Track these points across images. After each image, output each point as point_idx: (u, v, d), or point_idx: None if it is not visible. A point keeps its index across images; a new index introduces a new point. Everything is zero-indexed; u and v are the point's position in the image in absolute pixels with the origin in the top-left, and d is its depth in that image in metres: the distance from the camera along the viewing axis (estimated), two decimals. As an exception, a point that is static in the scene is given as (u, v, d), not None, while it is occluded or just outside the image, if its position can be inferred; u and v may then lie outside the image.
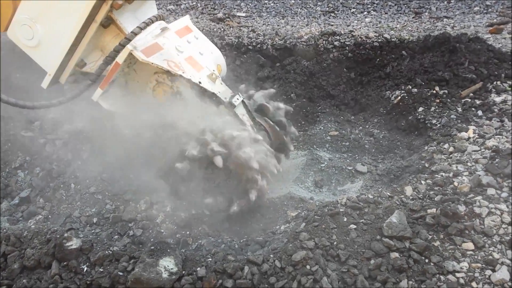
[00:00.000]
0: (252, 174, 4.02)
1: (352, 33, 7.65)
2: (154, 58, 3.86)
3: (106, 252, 3.24)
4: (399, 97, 5.85)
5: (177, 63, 3.97)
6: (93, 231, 3.82)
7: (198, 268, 3.12)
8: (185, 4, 10.56)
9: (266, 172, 4.18)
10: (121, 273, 3.09)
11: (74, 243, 3.25)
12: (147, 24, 4.02)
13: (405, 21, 9.13)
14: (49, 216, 4.04)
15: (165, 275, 3.01)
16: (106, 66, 3.96)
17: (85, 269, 3.19)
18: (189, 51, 4.21)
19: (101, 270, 3.16)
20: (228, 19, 9.46)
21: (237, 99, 4.22)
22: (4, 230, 3.48)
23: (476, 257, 3.03)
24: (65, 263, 3.21)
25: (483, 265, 2.96)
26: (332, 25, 8.88)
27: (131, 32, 3.90)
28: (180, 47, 4.14)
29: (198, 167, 4.05)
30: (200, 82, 4.02)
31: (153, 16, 4.17)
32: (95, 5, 3.77)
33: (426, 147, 4.72)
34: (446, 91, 5.60)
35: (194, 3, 10.62)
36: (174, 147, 4.09)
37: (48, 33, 3.94)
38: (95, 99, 4.02)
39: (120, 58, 3.83)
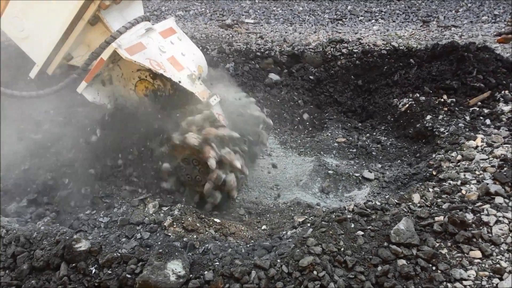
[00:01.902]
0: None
1: (360, 40, 7.70)
2: (137, 56, 4.10)
3: (115, 254, 3.26)
4: (407, 105, 5.86)
5: (159, 62, 4.21)
6: (101, 233, 3.85)
7: (206, 272, 3.13)
8: (194, 10, 10.65)
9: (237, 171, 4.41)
10: (129, 276, 3.11)
11: (83, 245, 3.27)
12: (132, 24, 4.31)
13: (413, 29, 9.15)
14: (58, 218, 4.07)
15: (172, 278, 3.02)
16: (92, 61, 4.25)
17: (94, 271, 3.21)
18: (172, 52, 4.46)
19: (109, 272, 3.18)
20: (237, 25, 9.53)
21: (215, 99, 4.41)
22: (14, 231, 3.51)
23: (483, 265, 3.02)
24: (73, 264, 3.22)
25: (491, 274, 2.95)
26: (340, 33, 8.92)
27: (117, 30, 4.19)
28: (163, 48, 4.40)
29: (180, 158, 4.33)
30: (180, 82, 4.23)
31: (139, 16, 4.46)
32: (84, 4, 4.05)
33: (434, 155, 4.72)
34: (454, 100, 5.60)
35: (203, 9, 10.71)
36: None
37: (38, 27, 4.20)
38: (79, 91, 4.27)
39: (105, 54, 4.09)
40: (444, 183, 3.94)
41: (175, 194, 4.47)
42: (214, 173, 4.16)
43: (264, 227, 4.20)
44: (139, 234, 3.79)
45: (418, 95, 5.95)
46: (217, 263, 3.23)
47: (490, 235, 3.20)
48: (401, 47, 7.26)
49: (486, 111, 5.23)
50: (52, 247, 3.32)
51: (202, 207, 4.44)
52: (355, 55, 7.21)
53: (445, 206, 3.55)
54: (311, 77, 6.95)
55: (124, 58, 4.05)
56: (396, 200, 3.76)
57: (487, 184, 3.69)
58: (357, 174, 4.93)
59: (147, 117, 4.53)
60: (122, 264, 3.22)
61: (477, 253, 3.09)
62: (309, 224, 3.77)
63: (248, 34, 8.72)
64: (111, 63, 4.32)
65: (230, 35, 8.56)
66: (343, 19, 10.10)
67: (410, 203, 3.69)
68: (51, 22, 4.13)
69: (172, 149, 4.29)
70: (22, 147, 4.83)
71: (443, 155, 4.56)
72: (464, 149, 4.48)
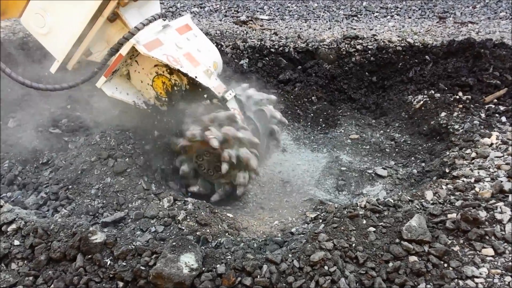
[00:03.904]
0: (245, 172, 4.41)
1: (375, 37, 7.65)
2: (155, 52, 4.19)
3: (129, 246, 3.32)
4: (422, 102, 5.82)
5: (176, 58, 4.30)
6: (116, 226, 3.93)
7: (218, 265, 3.17)
8: (209, 6, 10.69)
9: (246, 144, 4.48)
10: (143, 268, 3.17)
11: (98, 237, 3.34)
12: (150, 21, 4.38)
13: (429, 25, 9.06)
14: (74, 211, 4.16)
15: (185, 270, 3.07)
16: (110, 57, 4.32)
17: (109, 262, 3.28)
18: (188, 48, 4.55)
19: (124, 264, 3.25)
20: (251, 21, 9.55)
21: (230, 94, 4.51)
22: (32, 223, 3.60)
23: (495, 263, 3.01)
24: (89, 256, 3.30)
25: (503, 271, 2.94)
26: (354, 29, 8.88)
27: (135, 27, 4.25)
28: (179, 44, 4.48)
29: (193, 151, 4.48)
30: (196, 77, 4.31)
31: (156, 14, 4.53)
32: (103, 1, 4.11)
33: (447, 152, 4.70)
34: (469, 97, 5.55)
35: (218, 5, 10.74)
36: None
37: (58, 23, 4.28)
38: (99, 85, 4.38)
39: (124, 50, 4.18)
40: (457, 181, 3.92)
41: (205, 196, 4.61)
42: (224, 153, 4.26)
43: (276, 222, 4.24)
44: (154, 227, 3.85)
45: (433, 92, 5.90)
46: (229, 257, 3.28)
47: (503, 233, 3.18)
48: (416, 44, 7.20)
49: (502, 108, 5.17)
50: (68, 238, 3.40)
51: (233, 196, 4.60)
52: (369, 52, 7.17)
53: (458, 203, 3.53)
54: (325, 73, 6.94)
55: (142, 53, 4.14)
56: (408, 197, 3.76)
57: (501, 181, 3.66)
58: (370, 171, 4.93)
59: (164, 113, 4.61)
60: (136, 256, 3.29)
61: (489, 251, 3.08)
62: (321, 220, 3.79)
63: (263, 31, 8.73)
64: (129, 59, 4.41)
65: (245, 32, 8.58)
66: (358, 15, 10.04)
67: (423, 200, 3.69)
68: (72, 18, 4.21)
69: (188, 145, 4.39)
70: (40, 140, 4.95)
71: (457, 153, 4.54)
72: (479, 146, 4.45)
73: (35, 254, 3.39)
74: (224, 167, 4.29)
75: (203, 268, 3.15)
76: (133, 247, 3.33)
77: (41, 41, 4.44)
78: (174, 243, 3.24)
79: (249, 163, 4.35)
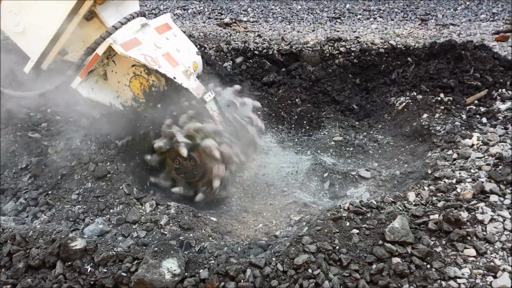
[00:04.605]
0: (215, 163, 4.31)
1: (358, 39, 7.70)
2: (132, 52, 4.11)
3: (110, 253, 3.27)
4: (404, 104, 5.87)
5: (154, 58, 4.22)
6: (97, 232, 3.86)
7: (201, 270, 3.14)
8: (192, 8, 10.65)
9: (230, 161, 4.45)
10: (124, 274, 3.12)
11: (78, 244, 3.28)
12: (128, 19, 4.31)
13: (411, 27, 9.16)
14: (54, 217, 4.08)
15: (168, 276, 3.03)
16: (87, 57, 4.21)
17: (89, 269, 3.22)
18: (167, 48, 4.48)
19: (105, 270, 3.19)
20: (235, 24, 9.53)
21: (209, 95, 4.45)
22: (10, 229, 3.52)
23: (477, 263, 3.03)
24: (69, 263, 3.23)
25: (485, 272, 2.96)
26: (338, 31, 8.92)
27: (112, 26, 4.17)
28: (158, 43, 4.41)
29: (166, 158, 4.44)
30: (174, 77, 4.25)
31: (135, 12, 4.45)
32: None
33: (429, 154, 4.73)
34: (451, 98, 5.61)
35: (201, 7, 10.71)
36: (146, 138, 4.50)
37: (33, 22, 4.19)
38: (74, 86, 4.27)
39: (100, 50, 4.09)
40: (439, 182, 3.95)
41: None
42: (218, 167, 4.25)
43: (260, 225, 4.22)
44: (135, 232, 3.80)
45: (415, 93, 5.95)
46: (213, 262, 3.24)
47: (485, 233, 3.21)
48: (399, 46, 7.26)
49: (482, 109, 5.23)
50: (48, 245, 3.33)
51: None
52: (353, 54, 7.21)
53: (440, 204, 3.56)
54: (309, 75, 6.96)
55: (119, 53, 4.06)
56: (391, 199, 3.77)
57: (482, 182, 3.70)
58: (353, 173, 4.94)
59: (140, 114, 4.55)
60: (117, 262, 3.23)
61: (471, 251, 3.10)
62: (304, 223, 3.78)
63: (247, 33, 8.72)
64: (106, 59, 4.32)
65: (229, 34, 8.56)
66: (342, 18, 10.10)
67: (406, 202, 3.70)
68: (46, 16, 4.12)
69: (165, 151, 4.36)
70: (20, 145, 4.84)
71: (439, 154, 4.57)
72: (460, 147, 4.49)
73: (13, 261, 3.32)
74: (216, 183, 4.30)
75: (186, 274, 3.12)
76: (114, 253, 3.28)
77: (15, 40, 4.34)
78: (156, 248, 3.19)
79: (212, 153, 4.27)
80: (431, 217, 3.37)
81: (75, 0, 4.01)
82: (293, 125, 6.24)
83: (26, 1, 4.09)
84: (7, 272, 3.28)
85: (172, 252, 3.18)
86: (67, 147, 4.59)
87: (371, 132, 5.95)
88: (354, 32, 8.88)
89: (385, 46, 7.26)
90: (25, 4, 4.11)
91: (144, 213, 3.98)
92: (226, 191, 4.64)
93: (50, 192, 4.25)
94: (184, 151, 4.15)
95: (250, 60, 7.25)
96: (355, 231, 3.31)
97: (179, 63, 4.44)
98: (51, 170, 4.45)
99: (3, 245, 3.41)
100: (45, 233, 3.44)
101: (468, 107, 5.37)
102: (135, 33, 4.30)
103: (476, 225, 3.27)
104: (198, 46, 6.69)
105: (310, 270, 3.02)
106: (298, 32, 8.94)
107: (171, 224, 3.86)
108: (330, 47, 7.40)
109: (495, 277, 2.92)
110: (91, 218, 3.99)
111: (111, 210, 4.06)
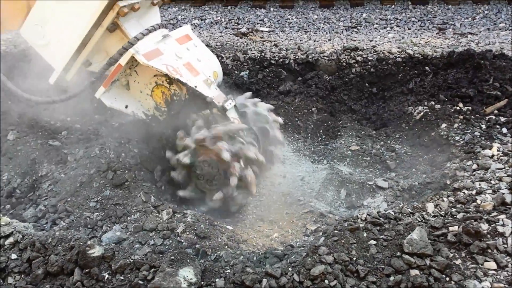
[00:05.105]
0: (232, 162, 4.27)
1: (375, 48, 7.67)
2: (154, 62, 4.18)
3: (127, 260, 3.29)
4: (422, 113, 5.81)
5: (175, 68, 4.29)
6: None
7: (217, 279, 3.13)
8: (209, 19, 10.74)
9: (250, 161, 4.40)
10: (141, 282, 3.14)
11: (96, 251, 3.31)
12: (149, 31, 4.41)
13: (429, 37, 9.08)
14: (72, 224, 4.13)
15: (184, 285, 3.03)
16: (109, 67, 4.31)
17: (106, 276, 3.24)
18: (188, 58, 4.55)
19: (122, 278, 3.21)
20: (251, 33, 9.59)
21: (230, 103, 4.46)
22: (30, 236, 3.57)
23: (498, 276, 2.96)
24: (87, 270, 3.26)
25: (506, 285, 2.89)
26: (354, 40, 8.90)
27: (134, 37, 4.26)
28: (179, 53, 4.49)
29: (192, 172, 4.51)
30: (196, 86, 4.30)
31: (156, 24, 4.55)
32: (103, 11, 4.12)
33: (448, 164, 4.67)
34: (470, 108, 5.54)
35: (218, 18, 10.80)
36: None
37: (57, 34, 4.28)
38: (97, 96, 4.36)
39: (123, 60, 4.18)
40: (458, 193, 3.89)
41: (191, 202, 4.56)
42: (234, 165, 4.23)
43: (276, 234, 4.20)
44: (152, 240, 3.82)
45: (433, 103, 5.89)
46: (229, 271, 3.24)
47: (506, 246, 3.14)
48: (416, 55, 7.21)
49: (502, 119, 5.15)
50: (66, 252, 3.37)
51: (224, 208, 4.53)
52: (369, 63, 7.18)
53: (459, 216, 3.50)
54: (325, 84, 6.95)
55: (141, 63, 4.14)
56: (409, 209, 3.72)
57: (503, 194, 3.63)
58: (370, 183, 4.90)
59: (163, 123, 4.61)
60: (134, 270, 3.25)
61: (492, 264, 3.04)
62: (321, 233, 3.76)
63: (263, 42, 8.76)
64: (129, 69, 4.41)
65: (245, 43, 8.61)
66: (358, 27, 10.07)
67: (424, 213, 3.65)
68: (71, 29, 4.23)
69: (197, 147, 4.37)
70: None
71: (458, 164, 4.51)
72: (480, 158, 4.42)
73: (32, 268, 3.35)
74: (233, 180, 4.25)
75: (202, 282, 3.11)
76: (132, 260, 3.30)
77: (40, 52, 4.44)
78: (172, 257, 3.20)
79: (247, 155, 4.33)
80: (451, 228, 3.31)
81: (99, 13, 4.10)
82: (309, 134, 6.23)
83: (50, 14, 4.20)
84: (26, 278, 3.33)
85: (188, 260, 3.19)
86: (86, 155, 4.65)
87: (389, 141, 5.90)
88: (371, 41, 8.85)
89: (402, 55, 7.21)
90: (50, 17, 4.21)
91: (161, 221, 4.01)
92: (246, 196, 4.59)
93: (69, 199, 4.31)
94: (226, 155, 4.16)
95: (267, 69, 7.27)
96: (373, 242, 3.27)
97: (200, 73, 4.51)
98: (70, 178, 4.52)
99: (23, 251, 3.46)
100: (64, 240, 3.48)
101: (487, 117, 5.30)
102: (157, 44, 4.39)
103: (496, 238, 3.21)
104: (215, 56, 6.73)
105: (326, 281, 2.99)
106: (314, 41, 8.94)
107: (187, 232, 3.87)
108: (346, 56, 7.38)
109: (516, 291, 2.86)
110: (108, 225, 4.03)
111: (129, 218, 4.09)
